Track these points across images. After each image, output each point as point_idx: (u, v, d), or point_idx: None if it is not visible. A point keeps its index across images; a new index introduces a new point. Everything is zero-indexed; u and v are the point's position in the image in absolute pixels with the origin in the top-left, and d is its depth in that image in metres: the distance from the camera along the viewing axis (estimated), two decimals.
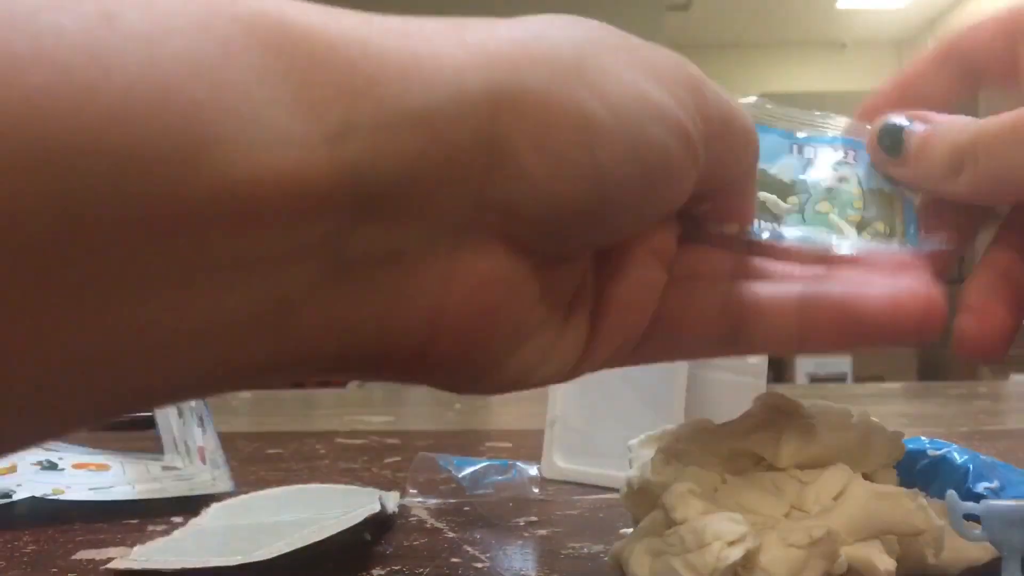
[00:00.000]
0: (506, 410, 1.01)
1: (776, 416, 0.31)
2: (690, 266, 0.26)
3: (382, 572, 0.34)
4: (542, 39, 0.20)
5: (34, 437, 0.17)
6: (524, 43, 0.20)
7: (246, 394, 1.27)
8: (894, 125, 0.29)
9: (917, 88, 0.31)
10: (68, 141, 0.14)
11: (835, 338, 0.26)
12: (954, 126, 0.28)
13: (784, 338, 0.26)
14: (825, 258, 0.28)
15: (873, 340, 0.25)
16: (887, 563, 0.28)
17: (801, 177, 0.30)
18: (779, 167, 0.30)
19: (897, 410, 0.98)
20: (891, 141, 0.29)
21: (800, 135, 0.31)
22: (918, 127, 0.29)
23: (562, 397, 0.51)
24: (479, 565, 0.35)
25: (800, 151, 0.30)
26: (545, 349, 0.23)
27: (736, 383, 0.49)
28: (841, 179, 0.30)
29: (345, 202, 0.17)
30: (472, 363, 0.21)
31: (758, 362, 0.50)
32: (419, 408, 1.06)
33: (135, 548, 0.36)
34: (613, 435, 0.48)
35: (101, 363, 0.16)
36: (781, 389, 0.32)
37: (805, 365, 3.24)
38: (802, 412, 0.31)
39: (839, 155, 0.30)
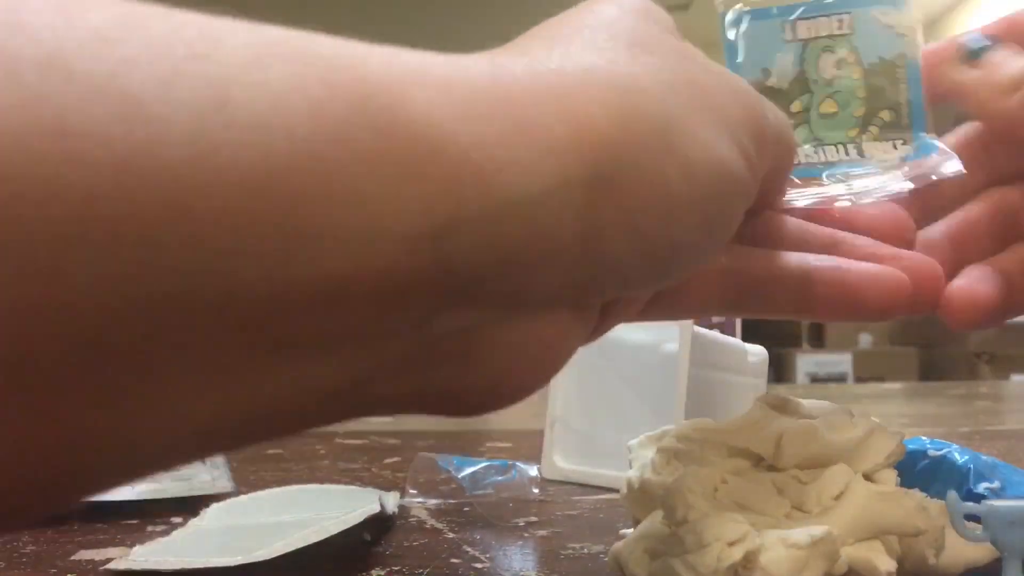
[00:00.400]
0: (506, 410, 1.01)
1: (776, 416, 0.31)
2: None
3: (382, 572, 0.34)
4: (637, 102, 0.20)
5: (113, 486, 0.17)
6: (620, 111, 0.19)
7: None
8: (982, 38, 0.31)
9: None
10: (168, 243, 0.13)
11: (832, 312, 0.27)
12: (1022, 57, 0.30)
13: (783, 307, 0.27)
14: (836, 220, 0.29)
15: (868, 316, 0.27)
16: (888, 563, 0.28)
17: (800, 73, 0.30)
18: (777, 72, 0.30)
19: (897, 410, 0.98)
20: (977, 48, 0.30)
21: (792, 3, 0.30)
22: (1003, 49, 0.30)
23: (562, 397, 0.51)
24: (479, 565, 0.35)
25: (794, 30, 0.30)
26: (571, 353, 0.23)
27: (736, 383, 0.49)
28: (840, 63, 0.30)
29: (440, 291, 0.17)
30: (516, 400, 0.22)
31: (758, 362, 0.50)
32: None
33: (135, 548, 0.36)
34: (613, 435, 0.48)
35: (165, 441, 0.16)
36: (781, 389, 0.32)
37: (805, 365, 3.24)
38: (802, 412, 0.31)
39: (834, 25, 0.30)
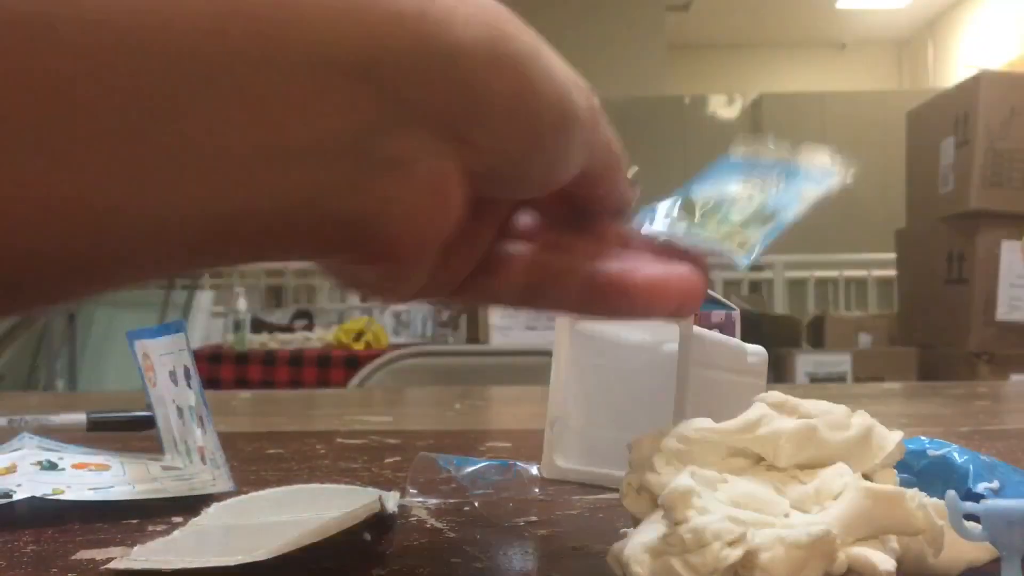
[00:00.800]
0: (506, 410, 1.02)
1: (776, 416, 0.31)
2: (516, 230, 0.31)
3: (382, 572, 0.34)
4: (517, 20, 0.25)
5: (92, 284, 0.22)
6: (513, 17, 0.24)
7: (246, 394, 1.27)
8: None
9: None
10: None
11: (609, 307, 0.30)
12: None
13: (571, 302, 0.31)
14: (626, 243, 0.32)
15: (640, 312, 0.30)
16: (887, 563, 0.28)
17: (715, 196, 0.32)
18: (704, 194, 0.32)
19: (897, 410, 0.98)
20: None
21: (757, 167, 0.33)
22: None
23: (562, 397, 0.51)
24: (479, 565, 0.35)
25: (746, 181, 0.32)
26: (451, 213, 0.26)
27: (736, 383, 0.49)
28: (749, 197, 0.32)
29: (373, 108, 0.22)
30: (397, 265, 0.25)
31: (758, 362, 0.50)
32: (419, 408, 1.06)
33: (135, 548, 0.36)
34: (613, 435, 0.48)
35: (136, 238, 0.20)
36: (781, 389, 0.32)
37: (805, 365, 3.24)
38: (802, 412, 0.31)
39: (769, 185, 0.32)
